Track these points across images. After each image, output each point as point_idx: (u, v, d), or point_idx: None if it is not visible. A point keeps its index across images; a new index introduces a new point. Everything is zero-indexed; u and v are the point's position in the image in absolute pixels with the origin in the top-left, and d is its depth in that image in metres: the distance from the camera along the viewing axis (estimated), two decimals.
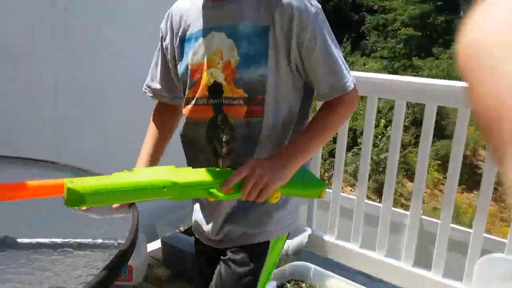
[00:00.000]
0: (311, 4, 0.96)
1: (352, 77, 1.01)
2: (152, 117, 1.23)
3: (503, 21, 0.20)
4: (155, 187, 0.80)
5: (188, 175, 0.87)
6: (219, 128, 1.02)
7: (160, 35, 1.14)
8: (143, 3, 2.15)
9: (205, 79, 1.01)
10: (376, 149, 13.51)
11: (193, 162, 1.10)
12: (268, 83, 0.97)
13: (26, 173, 1.35)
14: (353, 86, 1.00)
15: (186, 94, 1.07)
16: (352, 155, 12.63)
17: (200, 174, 0.89)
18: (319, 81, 0.99)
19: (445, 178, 2.14)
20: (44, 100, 1.96)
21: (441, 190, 13.66)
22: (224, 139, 1.02)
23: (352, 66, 18.04)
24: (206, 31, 1.01)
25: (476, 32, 0.21)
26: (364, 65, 19.99)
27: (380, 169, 12.99)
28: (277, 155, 0.96)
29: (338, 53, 1.00)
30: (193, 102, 1.05)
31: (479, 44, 0.21)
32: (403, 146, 12.88)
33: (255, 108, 0.99)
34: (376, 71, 18.08)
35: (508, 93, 0.18)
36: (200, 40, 1.02)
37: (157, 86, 1.18)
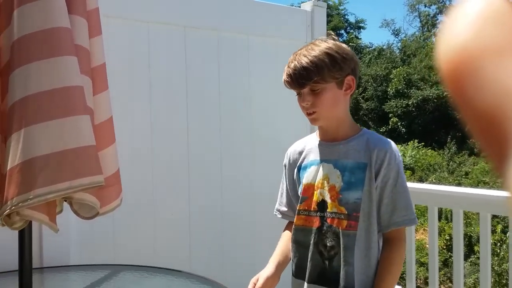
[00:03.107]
0: (396, 157, 1.32)
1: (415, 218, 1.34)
2: (283, 230, 1.54)
3: (489, 23, 0.20)
4: None
5: None
6: (324, 235, 1.31)
7: (284, 171, 1.49)
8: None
9: (315, 197, 1.34)
10: (497, 258, 12.12)
11: (302, 261, 1.37)
12: (362, 204, 1.28)
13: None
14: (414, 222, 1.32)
15: (298, 207, 1.38)
16: (470, 265, 11.45)
17: None
18: (384, 213, 1.31)
19: None
20: None
21: None
22: (329, 244, 1.31)
23: (460, 166, 17.14)
24: (318, 162, 1.37)
25: (461, 34, 0.20)
26: (474, 165, 18.87)
27: (504, 281, 11.50)
28: None
29: (408, 195, 1.33)
30: (304, 213, 1.36)
31: (466, 48, 0.20)
32: None
33: (352, 222, 1.29)
34: (488, 172, 16.92)
35: (505, 98, 0.18)
36: (313, 167, 1.37)
37: (284, 209, 1.50)
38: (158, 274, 1.74)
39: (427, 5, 34.85)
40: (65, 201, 1.24)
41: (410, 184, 2.50)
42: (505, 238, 13.03)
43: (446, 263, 10.37)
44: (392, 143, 1.36)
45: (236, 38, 2.38)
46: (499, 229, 13.38)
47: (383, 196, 1.30)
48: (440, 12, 34.50)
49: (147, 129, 2.09)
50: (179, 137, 2.18)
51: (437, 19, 34.81)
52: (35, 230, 1.70)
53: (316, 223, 1.34)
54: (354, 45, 27.04)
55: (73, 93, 1.05)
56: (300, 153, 1.45)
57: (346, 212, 1.29)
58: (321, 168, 1.35)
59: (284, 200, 1.51)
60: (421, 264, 9.23)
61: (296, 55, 1.30)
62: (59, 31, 1.05)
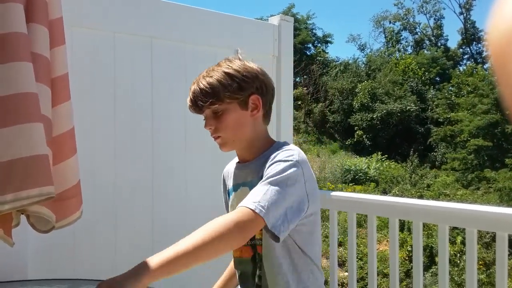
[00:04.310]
0: (282, 158, 1.12)
1: (271, 213, 1.03)
2: None
3: None
4: None
5: None
6: (257, 265, 1.25)
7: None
8: None
9: None
10: (457, 268, 12.48)
11: None
12: None
13: None
14: (256, 213, 1.02)
15: None
16: (431, 276, 11.75)
17: None
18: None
19: None
20: None
21: None
22: (257, 274, 1.24)
23: (422, 179, 17.62)
24: (236, 186, 1.31)
25: (509, 17, 0.21)
26: (436, 177, 19.45)
27: None
28: (137, 265, 0.94)
29: (278, 193, 1.06)
30: None
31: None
32: (487, 266, 11.78)
33: (268, 244, 1.20)
34: (448, 184, 17.47)
35: None
36: (233, 193, 1.32)
37: None
38: None
39: (391, 21, 36.01)
40: (22, 213, 1.20)
41: (372, 197, 2.56)
42: (464, 249, 13.38)
43: (408, 274, 10.60)
44: (290, 148, 1.18)
45: (204, 51, 2.39)
46: (459, 240, 13.83)
47: None
48: (404, 28, 35.66)
49: (110, 141, 2.06)
50: (143, 150, 2.16)
51: (401, 36, 35.94)
52: None
53: (249, 252, 1.27)
54: (322, 59, 27.53)
55: (27, 100, 1.00)
56: (226, 176, 1.41)
57: (261, 236, 1.22)
58: (241, 193, 1.27)
59: None
60: (384, 275, 9.39)
61: (197, 78, 1.26)
62: (17, 36, 1.02)
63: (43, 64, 1.11)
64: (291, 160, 1.12)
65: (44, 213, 1.12)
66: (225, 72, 1.22)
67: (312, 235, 1.22)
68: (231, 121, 1.23)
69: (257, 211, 1.01)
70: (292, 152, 1.15)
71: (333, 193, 2.53)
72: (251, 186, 1.16)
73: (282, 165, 1.10)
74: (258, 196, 1.05)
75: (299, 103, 22.75)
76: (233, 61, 1.26)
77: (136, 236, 2.12)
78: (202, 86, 1.22)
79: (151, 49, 2.20)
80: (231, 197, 1.33)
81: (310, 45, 29.89)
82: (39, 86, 1.10)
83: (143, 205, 2.15)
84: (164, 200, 2.21)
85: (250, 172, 1.26)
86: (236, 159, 1.37)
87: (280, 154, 1.14)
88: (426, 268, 10.92)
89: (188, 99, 1.27)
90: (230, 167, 1.39)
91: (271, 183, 1.07)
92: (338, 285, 2.65)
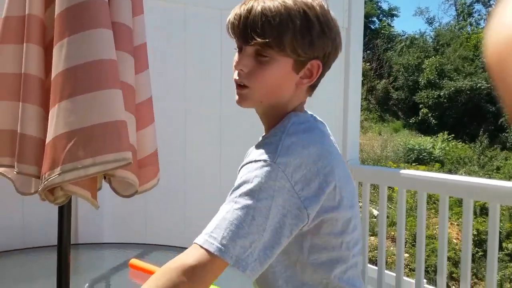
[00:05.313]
0: (262, 155, 0.81)
1: (229, 249, 0.75)
2: None
3: None
4: None
5: None
6: None
7: None
8: None
9: None
10: None
11: None
12: None
13: None
14: (210, 252, 0.74)
15: None
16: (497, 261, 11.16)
17: None
18: None
19: None
20: None
21: None
22: None
23: (491, 161, 16.70)
24: None
25: (508, 26, 0.20)
26: (506, 159, 18.35)
27: None
28: None
29: (237, 216, 0.78)
30: None
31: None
32: None
33: None
34: None
35: None
36: None
37: None
38: None
39: None
40: (105, 178, 1.26)
41: (445, 176, 2.44)
42: None
43: (472, 259, 10.19)
44: (275, 134, 0.86)
45: None
46: None
47: None
48: (477, 1, 33.37)
49: (181, 113, 2.10)
50: (212, 122, 2.19)
51: (474, 8, 33.69)
52: (73, 207, 1.74)
53: None
54: (387, 33, 26.48)
55: (107, 67, 1.03)
56: None
57: None
58: None
59: None
60: (447, 258, 9.09)
61: None
62: (95, 3, 1.03)
63: (126, 33, 1.14)
64: (264, 161, 0.80)
65: (130, 177, 1.16)
66: (305, 12, 0.84)
67: (330, 239, 0.87)
68: (273, 78, 0.88)
69: (211, 249, 0.74)
70: (271, 145, 0.82)
71: (402, 171, 2.44)
72: None
73: (250, 169, 0.80)
74: (213, 223, 0.79)
75: (362, 79, 22.15)
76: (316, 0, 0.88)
77: (205, 203, 2.17)
78: (267, 10, 0.83)
79: (221, 21, 2.20)
80: None
81: (374, 19, 28.77)
82: (122, 54, 1.12)
83: (211, 173, 2.19)
84: (232, 168, 2.24)
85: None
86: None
87: (255, 152, 0.83)
88: None
89: (234, 14, 0.87)
90: None
91: (233, 201, 0.80)
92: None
